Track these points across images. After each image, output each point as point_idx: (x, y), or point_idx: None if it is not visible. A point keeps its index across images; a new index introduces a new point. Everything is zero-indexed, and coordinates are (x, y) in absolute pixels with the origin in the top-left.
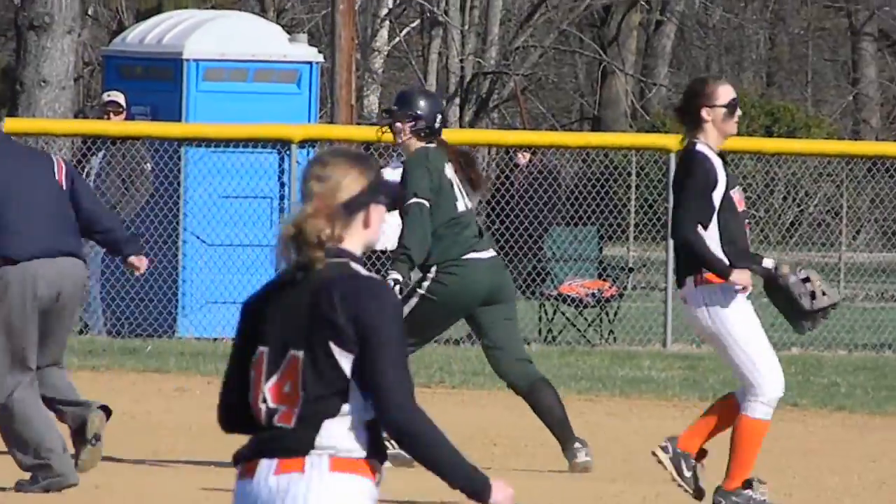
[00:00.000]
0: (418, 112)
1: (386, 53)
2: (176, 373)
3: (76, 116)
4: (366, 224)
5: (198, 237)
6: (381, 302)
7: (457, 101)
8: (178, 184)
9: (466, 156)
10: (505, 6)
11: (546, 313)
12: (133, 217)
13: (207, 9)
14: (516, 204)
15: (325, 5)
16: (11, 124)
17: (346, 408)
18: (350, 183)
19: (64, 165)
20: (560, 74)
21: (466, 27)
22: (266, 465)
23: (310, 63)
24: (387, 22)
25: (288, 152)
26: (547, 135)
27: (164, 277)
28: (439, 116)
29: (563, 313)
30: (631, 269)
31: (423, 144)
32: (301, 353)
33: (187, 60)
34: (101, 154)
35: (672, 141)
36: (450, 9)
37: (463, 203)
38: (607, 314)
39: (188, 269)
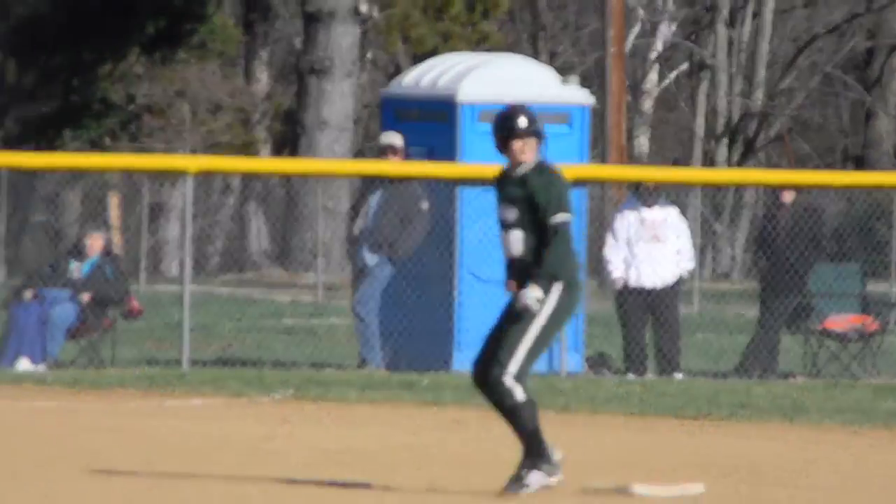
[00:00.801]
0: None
1: (655, 95)
2: (452, 405)
3: (355, 157)
4: None
5: (473, 274)
6: None
7: (725, 141)
8: (454, 222)
9: None
10: (771, 49)
11: (811, 347)
12: (410, 254)
13: (482, 52)
14: (782, 241)
15: (597, 49)
16: (292, 165)
17: None
18: None
19: None
20: (825, 115)
21: (734, 70)
22: None
23: (581, 105)
24: (656, 65)
25: None
26: (812, 174)
27: (440, 313)
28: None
29: (828, 347)
30: (894, 305)
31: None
32: None
33: (462, 103)
34: (378, 193)
35: None
36: (717, 52)
37: None
38: (870, 348)
39: (463, 305)
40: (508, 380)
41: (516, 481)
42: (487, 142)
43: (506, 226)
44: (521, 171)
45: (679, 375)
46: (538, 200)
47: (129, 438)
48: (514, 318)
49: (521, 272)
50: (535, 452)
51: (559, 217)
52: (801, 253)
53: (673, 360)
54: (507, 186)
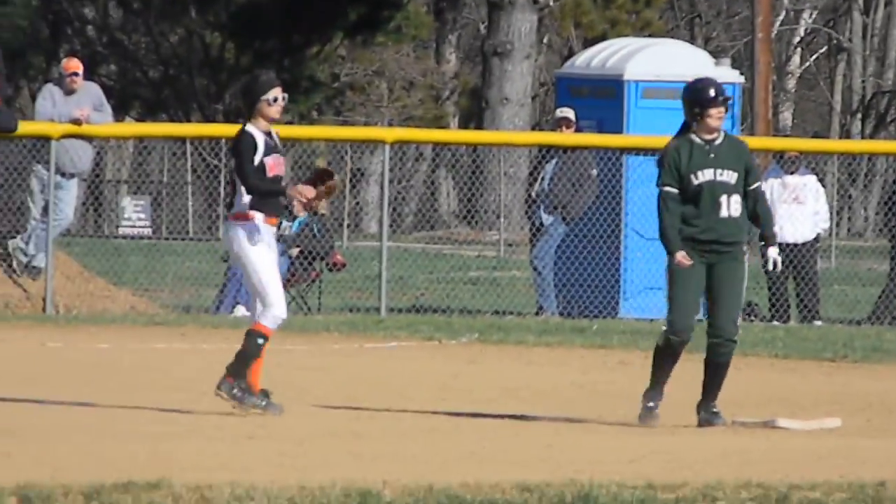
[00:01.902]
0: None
1: (798, 75)
2: (618, 348)
3: (533, 129)
4: None
5: (637, 232)
6: None
7: (859, 116)
8: (621, 187)
9: None
10: None
11: None
12: (581, 214)
13: (645, 37)
14: None
15: (747, 34)
16: (478, 136)
17: None
18: None
19: None
20: None
21: (867, 52)
22: None
23: (733, 84)
24: (799, 48)
25: None
26: None
27: (608, 267)
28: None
29: None
30: None
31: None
32: None
33: (628, 81)
34: (553, 161)
35: None
36: (853, 36)
37: None
38: None
39: (629, 260)
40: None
41: (714, 415)
42: (651, 116)
43: (722, 189)
44: (719, 138)
45: (818, 323)
46: (749, 166)
47: (333, 376)
48: (732, 281)
49: (732, 233)
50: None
51: (759, 182)
52: None
53: (813, 309)
54: (704, 153)
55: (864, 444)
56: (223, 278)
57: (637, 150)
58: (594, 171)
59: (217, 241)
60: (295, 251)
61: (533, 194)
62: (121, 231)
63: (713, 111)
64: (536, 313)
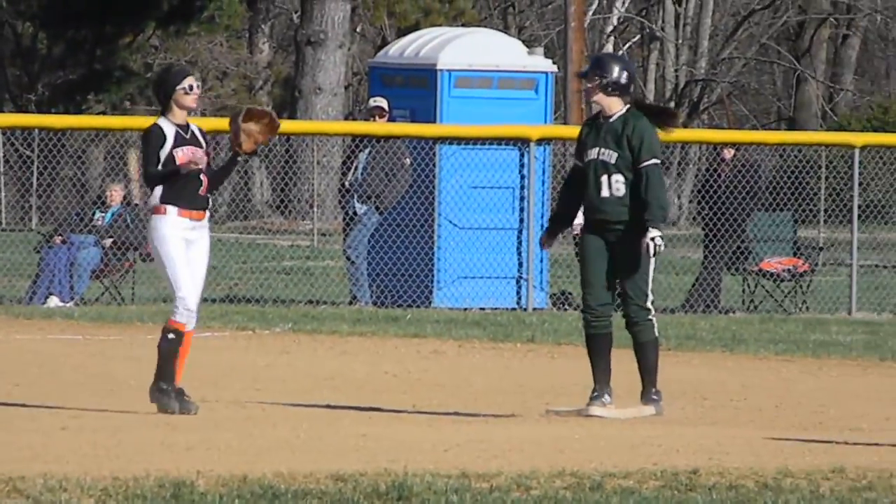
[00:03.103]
0: (605, 73)
1: None
2: (432, 338)
3: (346, 119)
4: None
5: (450, 221)
6: None
7: (672, 104)
8: (434, 176)
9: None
10: (713, 22)
11: (748, 286)
12: (395, 204)
13: (458, 26)
14: (723, 193)
15: (559, 23)
16: (291, 125)
17: None
18: None
19: None
20: (760, 81)
21: (680, 41)
22: None
23: (546, 73)
24: (612, 37)
25: (527, 149)
26: (749, 133)
27: (421, 256)
28: (625, 74)
29: (763, 286)
30: (821, 248)
31: (625, 105)
32: None
33: (441, 70)
34: (367, 151)
35: (856, 138)
36: (666, 26)
37: None
38: (801, 287)
39: (442, 249)
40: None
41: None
42: (463, 105)
43: (603, 169)
44: (614, 117)
45: None
46: (633, 145)
47: (146, 367)
48: (627, 259)
49: (617, 212)
50: (652, 383)
51: (652, 160)
52: (739, 202)
53: None
54: (597, 131)
55: (678, 432)
56: (36, 269)
57: (450, 140)
58: (407, 161)
59: (30, 232)
60: (108, 242)
61: (346, 184)
62: None
63: (586, 85)
64: (350, 303)
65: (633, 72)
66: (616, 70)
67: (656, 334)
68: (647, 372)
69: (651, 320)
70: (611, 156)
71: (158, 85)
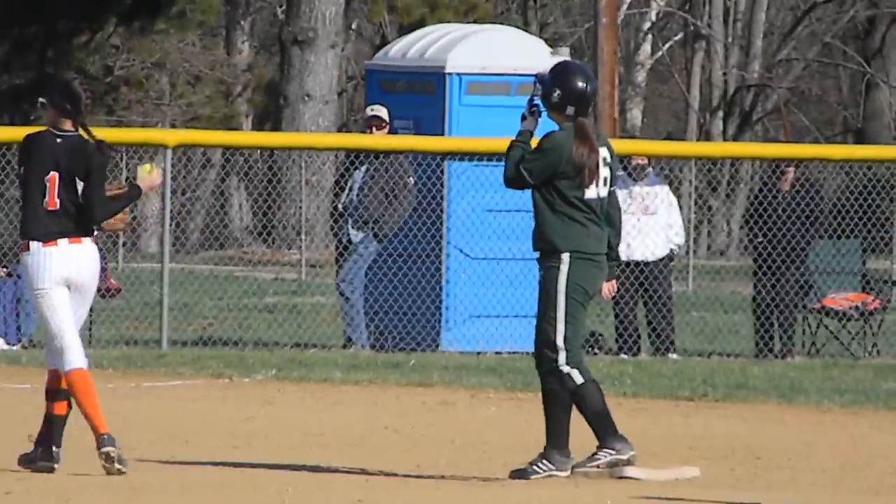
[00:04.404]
0: (545, 86)
1: (649, 67)
2: (439, 386)
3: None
4: None
5: (461, 251)
6: None
7: (720, 114)
8: (441, 197)
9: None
10: (768, 19)
11: (809, 326)
12: (396, 230)
13: (470, 23)
14: (779, 217)
15: (588, 19)
16: (275, 138)
17: None
18: None
19: None
20: (823, 87)
21: (730, 40)
22: None
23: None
24: (650, 35)
25: None
26: (810, 148)
27: (427, 291)
28: (556, 91)
29: (827, 326)
30: (894, 283)
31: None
32: None
33: (450, 74)
34: (363, 168)
35: None
36: (713, 22)
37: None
38: (871, 327)
39: (451, 283)
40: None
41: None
42: (477, 114)
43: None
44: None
45: (673, 356)
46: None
47: (106, 420)
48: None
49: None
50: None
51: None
52: (798, 229)
53: (667, 340)
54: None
55: (727, 497)
56: None
57: (461, 155)
58: (411, 180)
59: None
60: None
61: (340, 207)
62: None
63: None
64: (344, 346)
65: (577, 91)
66: (555, 84)
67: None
68: (547, 425)
69: (548, 367)
70: None
71: (74, 96)
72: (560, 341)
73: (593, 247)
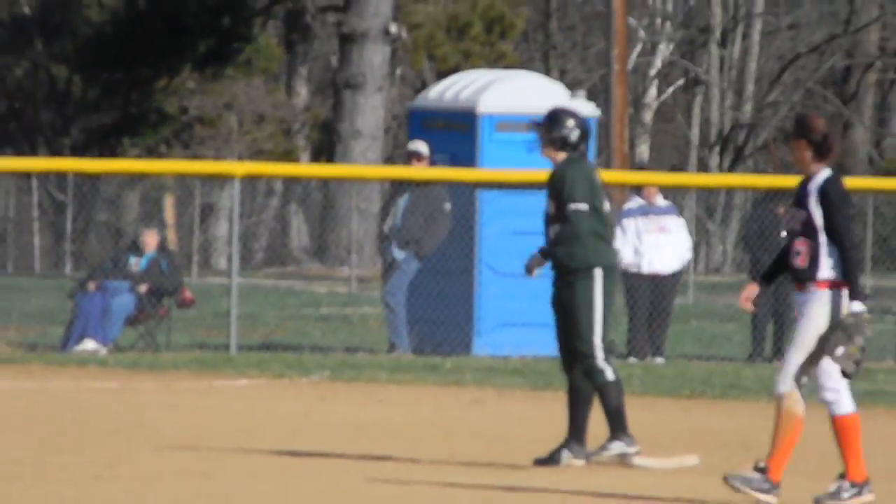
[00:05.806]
0: (554, 127)
1: (654, 108)
2: (472, 386)
3: (385, 163)
4: None
5: (491, 268)
6: None
7: (717, 149)
8: (474, 221)
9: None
10: (758, 67)
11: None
12: (434, 250)
13: (499, 69)
14: (775, 238)
15: (602, 66)
16: (329, 170)
17: None
18: None
19: None
20: None
21: (725, 85)
22: None
23: (588, 117)
24: (655, 81)
25: None
26: (796, 179)
27: (461, 303)
28: (576, 132)
29: None
30: (867, 296)
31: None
32: None
33: (481, 114)
34: (406, 195)
35: None
36: (710, 69)
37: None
38: None
39: (482, 296)
40: None
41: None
42: (504, 149)
43: (547, 220)
44: (554, 167)
45: (660, 359)
46: (556, 192)
47: (181, 415)
48: (567, 308)
49: (559, 261)
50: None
51: (573, 205)
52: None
53: (661, 346)
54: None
55: (717, 482)
56: (70, 315)
57: (490, 185)
58: (447, 206)
59: (64, 278)
60: (143, 288)
61: (385, 229)
62: None
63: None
64: (388, 350)
65: (586, 129)
66: (566, 126)
67: None
68: (571, 419)
69: (588, 370)
70: (551, 206)
71: None
72: (598, 342)
73: (613, 260)
